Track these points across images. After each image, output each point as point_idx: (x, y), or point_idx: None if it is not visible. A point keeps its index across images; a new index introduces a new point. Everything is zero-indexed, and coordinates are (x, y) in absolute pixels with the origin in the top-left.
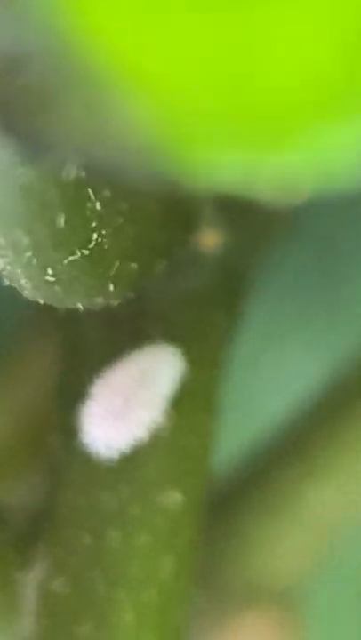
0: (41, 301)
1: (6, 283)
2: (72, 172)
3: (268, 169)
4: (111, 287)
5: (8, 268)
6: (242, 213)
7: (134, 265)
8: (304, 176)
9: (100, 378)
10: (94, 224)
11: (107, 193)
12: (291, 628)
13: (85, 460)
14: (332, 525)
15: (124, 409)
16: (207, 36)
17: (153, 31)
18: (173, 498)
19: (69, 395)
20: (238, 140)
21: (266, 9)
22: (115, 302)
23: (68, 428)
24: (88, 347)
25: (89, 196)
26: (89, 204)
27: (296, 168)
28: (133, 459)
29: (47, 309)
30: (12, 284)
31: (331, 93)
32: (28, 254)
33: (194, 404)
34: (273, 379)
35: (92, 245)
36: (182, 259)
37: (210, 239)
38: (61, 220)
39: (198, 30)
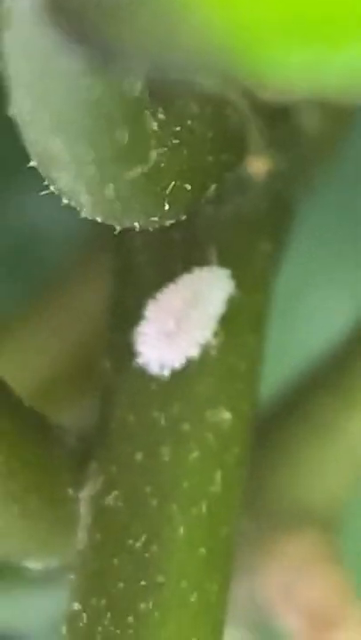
0: (99, 219)
1: (65, 201)
2: (137, 86)
3: (334, 67)
4: (166, 206)
5: (70, 183)
6: (290, 141)
7: (188, 186)
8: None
9: (153, 299)
10: (153, 142)
11: (162, 115)
12: (331, 550)
13: (137, 380)
14: None
15: (176, 329)
16: None
17: None
18: (222, 415)
19: (122, 317)
20: (305, 39)
21: None
22: (168, 222)
23: (120, 350)
24: (140, 269)
25: (147, 115)
26: (148, 123)
27: (356, 74)
28: (183, 378)
29: (100, 233)
30: (72, 202)
31: None
32: (92, 169)
33: (242, 326)
34: (315, 310)
35: (150, 163)
36: (232, 184)
37: (259, 166)
38: (124, 136)
39: None
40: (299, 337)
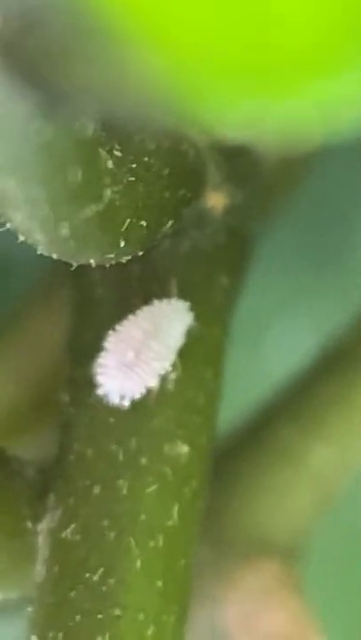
0: (55, 256)
1: (21, 238)
2: (88, 127)
3: (275, 115)
4: (122, 243)
5: (25, 222)
6: (247, 176)
7: (144, 222)
8: (311, 124)
9: (113, 331)
10: (107, 181)
11: (117, 152)
12: (291, 579)
13: (95, 413)
14: (332, 482)
15: (136, 360)
16: None
17: None
18: (180, 449)
19: (80, 350)
20: (248, 87)
21: None
22: (124, 259)
23: (78, 383)
24: (98, 303)
25: (102, 154)
26: (102, 161)
27: (303, 115)
28: (141, 411)
29: (57, 268)
30: (27, 240)
31: (336, 44)
32: (45, 208)
33: (200, 360)
34: (279, 340)
35: (105, 202)
36: (190, 219)
37: (216, 200)
38: (78, 175)
39: None
40: (263, 367)
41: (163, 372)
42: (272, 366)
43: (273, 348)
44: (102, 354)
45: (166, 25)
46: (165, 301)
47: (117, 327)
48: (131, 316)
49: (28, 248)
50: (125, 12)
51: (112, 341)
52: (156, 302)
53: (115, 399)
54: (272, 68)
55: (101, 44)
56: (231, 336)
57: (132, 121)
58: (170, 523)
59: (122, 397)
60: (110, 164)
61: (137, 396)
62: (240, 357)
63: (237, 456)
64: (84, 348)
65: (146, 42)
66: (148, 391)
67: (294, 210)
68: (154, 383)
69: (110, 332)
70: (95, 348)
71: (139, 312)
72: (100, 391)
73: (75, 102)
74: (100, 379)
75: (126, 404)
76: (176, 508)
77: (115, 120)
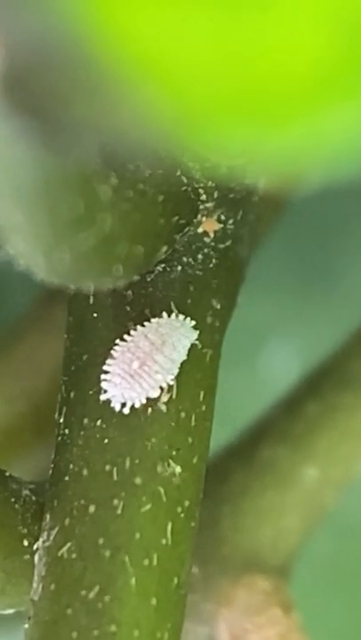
0: (55, 281)
1: (21, 264)
2: (87, 158)
3: (271, 148)
4: (120, 269)
5: (27, 249)
6: (239, 201)
7: (140, 248)
8: (304, 159)
9: (122, 340)
10: (106, 208)
11: (115, 179)
12: (282, 596)
13: (89, 434)
14: (322, 502)
15: (140, 371)
16: (215, 24)
17: (165, 23)
18: (173, 469)
19: (76, 372)
20: (243, 119)
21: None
22: (121, 284)
23: (73, 405)
24: (93, 326)
25: (100, 182)
26: (101, 190)
27: (296, 150)
28: (136, 432)
29: (54, 291)
30: (28, 266)
31: (329, 81)
32: (47, 236)
33: (193, 381)
34: (269, 361)
35: (104, 228)
36: (182, 244)
37: (208, 226)
38: (78, 204)
39: (206, 20)
40: (254, 386)
41: (165, 385)
42: (263, 385)
43: (264, 368)
44: (108, 361)
45: (163, 61)
46: (173, 317)
47: (125, 337)
48: (139, 327)
49: (25, 271)
50: (125, 51)
51: (119, 350)
52: (164, 316)
53: (117, 406)
54: (266, 100)
55: (102, 81)
56: (223, 356)
57: (130, 152)
58: (164, 541)
59: (123, 405)
60: (109, 192)
61: (137, 405)
62: (232, 376)
63: (229, 475)
64: (80, 370)
65: (143, 77)
66: (144, 409)
67: (284, 232)
68: (155, 394)
69: (118, 340)
70: (91, 371)
71: (147, 324)
72: (102, 397)
73: (75, 135)
74: (103, 385)
75: (126, 411)
76: (170, 527)
77: (114, 152)
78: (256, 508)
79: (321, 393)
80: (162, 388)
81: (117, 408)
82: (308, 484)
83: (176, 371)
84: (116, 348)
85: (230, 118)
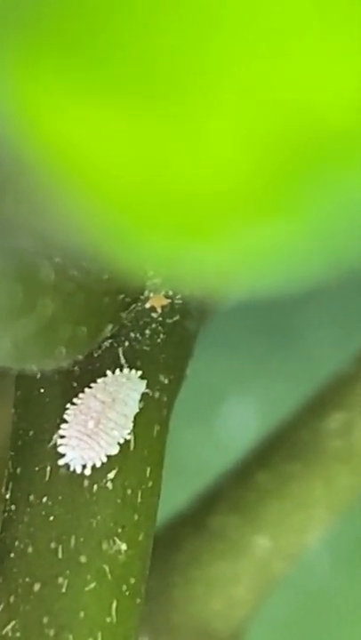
0: None
1: None
2: (27, 249)
3: (190, 261)
4: (63, 350)
5: None
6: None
7: (84, 329)
8: (231, 270)
9: (72, 404)
10: (48, 292)
11: (59, 260)
12: None
13: (35, 510)
14: (273, 571)
15: (97, 430)
16: (142, 140)
17: (96, 135)
18: (118, 547)
19: (20, 448)
20: (164, 232)
21: (196, 119)
22: (65, 364)
23: (18, 481)
24: (40, 401)
25: (43, 265)
26: (44, 273)
27: (221, 262)
28: (81, 510)
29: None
30: None
31: (253, 196)
32: None
33: (139, 457)
34: (229, 419)
35: (46, 313)
36: (130, 320)
37: (155, 302)
38: (19, 290)
39: (134, 135)
40: (210, 448)
41: (122, 441)
42: (218, 448)
43: (224, 427)
44: (63, 425)
45: (86, 168)
46: (118, 373)
47: (75, 400)
48: (87, 389)
49: None
50: (49, 155)
51: (71, 413)
52: (109, 374)
53: (77, 468)
54: (188, 213)
55: (32, 184)
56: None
57: (66, 249)
58: (108, 619)
59: (84, 466)
60: (51, 274)
61: (98, 464)
62: (187, 438)
63: (180, 543)
64: (25, 445)
65: (68, 181)
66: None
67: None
68: (115, 451)
69: (69, 404)
70: (36, 446)
71: (94, 385)
72: (61, 461)
73: (9, 230)
74: (61, 449)
75: (87, 472)
76: (114, 605)
77: (49, 245)
78: (207, 577)
79: (271, 462)
80: (119, 444)
81: (78, 470)
82: (259, 554)
83: (131, 425)
84: (67, 412)
85: (153, 228)
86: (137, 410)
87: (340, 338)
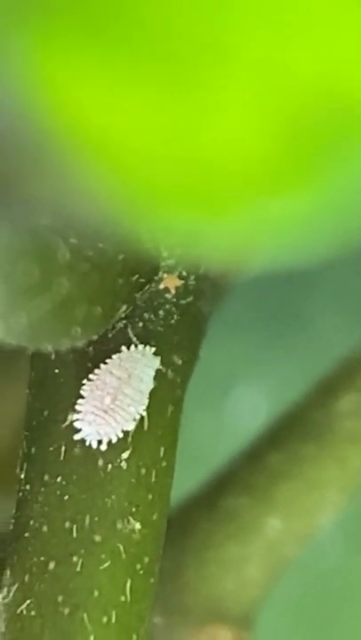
0: (13, 343)
1: None
2: (44, 226)
3: (217, 232)
4: (78, 330)
5: None
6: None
7: (99, 309)
8: (248, 244)
9: (88, 380)
10: (64, 271)
11: (74, 241)
12: None
13: (49, 490)
14: (285, 553)
15: (113, 406)
16: (161, 114)
17: (116, 109)
18: (133, 526)
19: (35, 428)
20: (183, 205)
21: (213, 93)
22: (80, 344)
23: (33, 461)
24: (55, 382)
25: (59, 246)
26: (59, 254)
27: (239, 236)
28: (95, 489)
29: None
30: None
31: (270, 169)
32: (3, 299)
33: (152, 437)
34: (238, 405)
35: (62, 292)
36: (145, 301)
37: (169, 282)
38: (35, 270)
39: (153, 109)
40: (220, 433)
41: (137, 416)
42: (229, 432)
43: (234, 412)
44: (79, 400)
45: (108, 142)
46: (133, 349)
47: (90, 376)
48: (102, 365)
49: None
50: (72, 129)
51: (87, 389)
52: (124, 350)
53: (94, 443)
54: (206, 188)
55: (53, 161)
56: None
57: (84, 224)
58: (122, 598)
59: (99, 442)
60: (67, 254)
61: (114, 440)
62: (197, 422)
63: (192, 525)
64: (40, 425)
65: (91, 156)
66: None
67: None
68: (131, 427)
69: (85, 380)
70: (50, 426)
71: (109, 361)
72: (77, 436)
73: (29, 208)
74: (77, 424)
75: (103, 448)
76: (129, 584)
77: (69, 222)
78: (219, 558)
79: (284, 443)
80: (135, 420)
81: (94, 445)
82: (271, 535)
83: (146, 401)
84: (83, 387)
85: (172, 202)
86: (152, 386)
87: (350, 323)
